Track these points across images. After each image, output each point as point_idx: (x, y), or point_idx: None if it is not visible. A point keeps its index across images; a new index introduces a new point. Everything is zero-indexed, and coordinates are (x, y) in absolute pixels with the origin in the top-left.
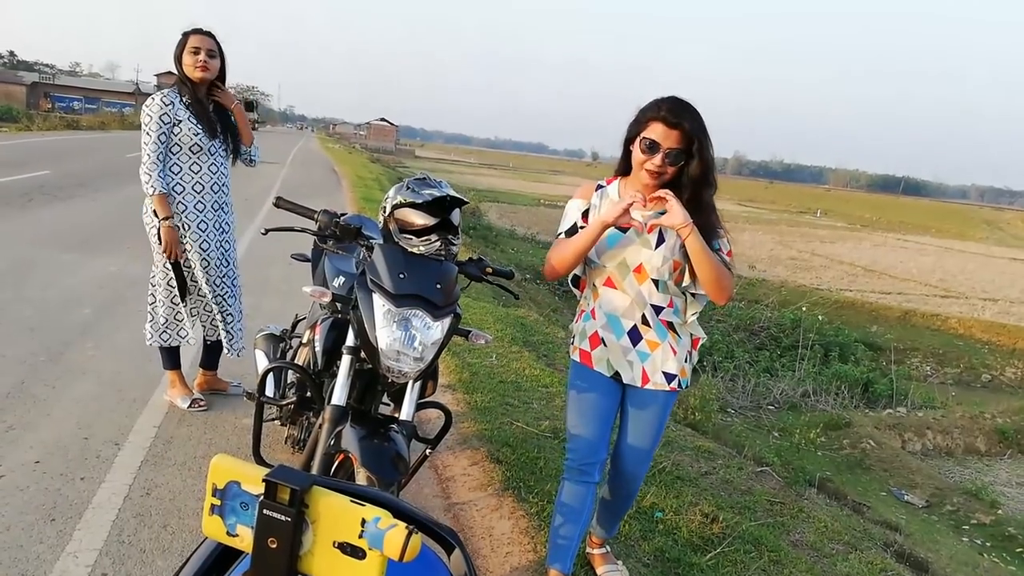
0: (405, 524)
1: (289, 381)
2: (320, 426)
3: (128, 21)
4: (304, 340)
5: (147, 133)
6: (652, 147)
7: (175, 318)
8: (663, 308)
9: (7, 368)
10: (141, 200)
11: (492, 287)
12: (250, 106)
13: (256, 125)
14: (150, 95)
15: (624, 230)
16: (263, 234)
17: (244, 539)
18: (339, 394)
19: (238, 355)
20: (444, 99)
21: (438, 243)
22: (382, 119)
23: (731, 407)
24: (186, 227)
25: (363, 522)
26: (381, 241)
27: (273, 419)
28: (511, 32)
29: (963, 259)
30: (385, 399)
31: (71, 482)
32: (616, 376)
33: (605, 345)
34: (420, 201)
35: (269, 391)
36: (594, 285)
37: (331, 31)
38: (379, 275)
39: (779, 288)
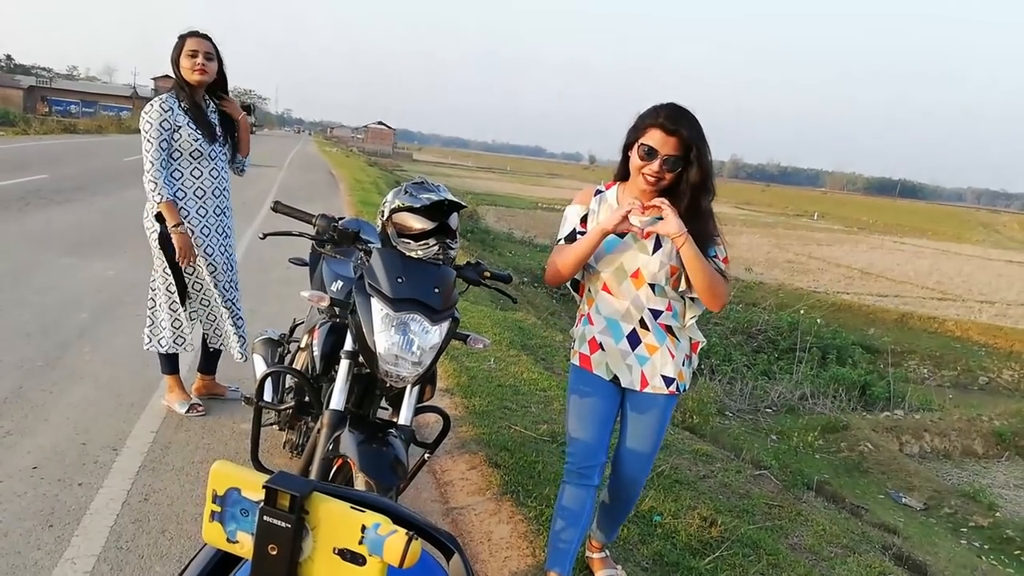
0: (405, 530)
1: (287, 386)
2: (318, 431)
3: (125, 25)
4: (302, 345)
5: (148, 140)
6: (650, 153)
7: (174, 323)
8: (661, 312)
9: (4, 373)
10: (138, 204)
11: (490, 291)
12: (248, 109)
13: (254, 128)
14: (147, 99)
15: (622, 235)
16: (261, 239)
17: (244, 545)
18: (337, 399)
19: (245, 359)
20: (442, 103)
21: (436, 247)
22: (379, 122)
23: (729, 410)
24: (189, 233)
25: (363, 528)
26: (379, 245)
27: (271, 424)
28: (508, 35)
29: (960, 262)
30: (383, 403)
31: (69, 488)
32: (615, 380)
33: (604, 349)
34: (418, 205)
35: (267, 396)
36: (591, 290)
37: (329, 35)
38: (377, 279)
39: (776, 291)
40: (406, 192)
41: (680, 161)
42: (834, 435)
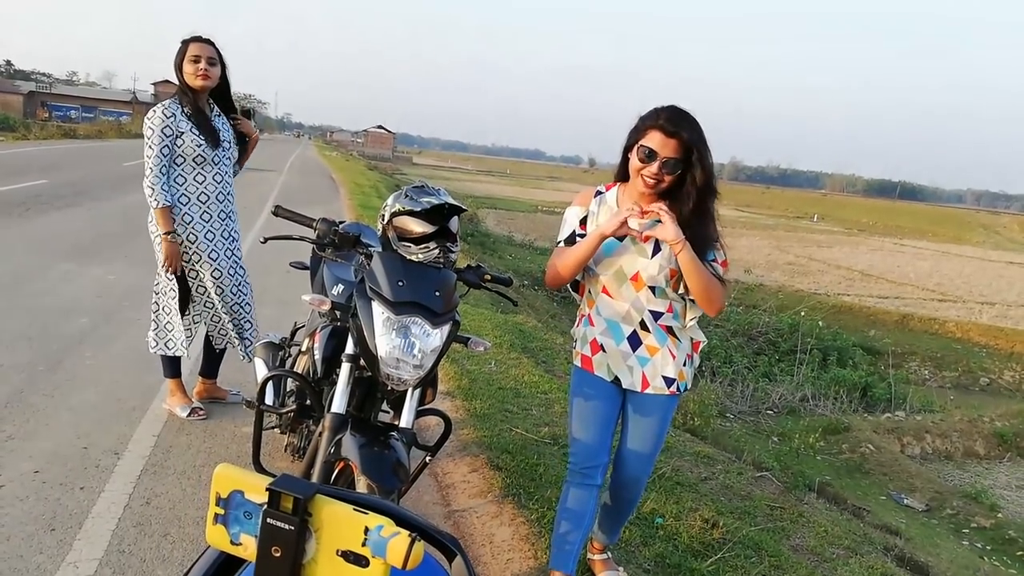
0: (408, 532)
1: (289, 389)
2: (320, 434)
3: (125, 30)
4: (303, 348)
5: (149, 146)
6: (650, 155)
7: (179, 326)
8: (662, 314)
9: (5, 377)
10: (138, 208)
11: (491, 294)
12: (247, 114)
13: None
14: (147, 104)
15: (620, 238)
16: (262, 243)
17: (248, 548)
18: (339, 402)
19: (250, 359)
20: (441, 106)
21: (437, 250)
22: (379, 126)
23: (730, 412)
24: (193, 238)
25: (366, 530)
26: (380, 249)
27: (273, 427)
28: (507, 38)
29: (960, 263)
30: (385, 406)
31: (71, 492)
32: (616, 381)
33: (604, 351)
34: (418, 209)
35: (269, 399)
36: (591, 291)
37: (328, 39)
38: (378, 283)
39: (777, 293)
40: (406, 196)
41: (679, 164)
42: (835, 437)
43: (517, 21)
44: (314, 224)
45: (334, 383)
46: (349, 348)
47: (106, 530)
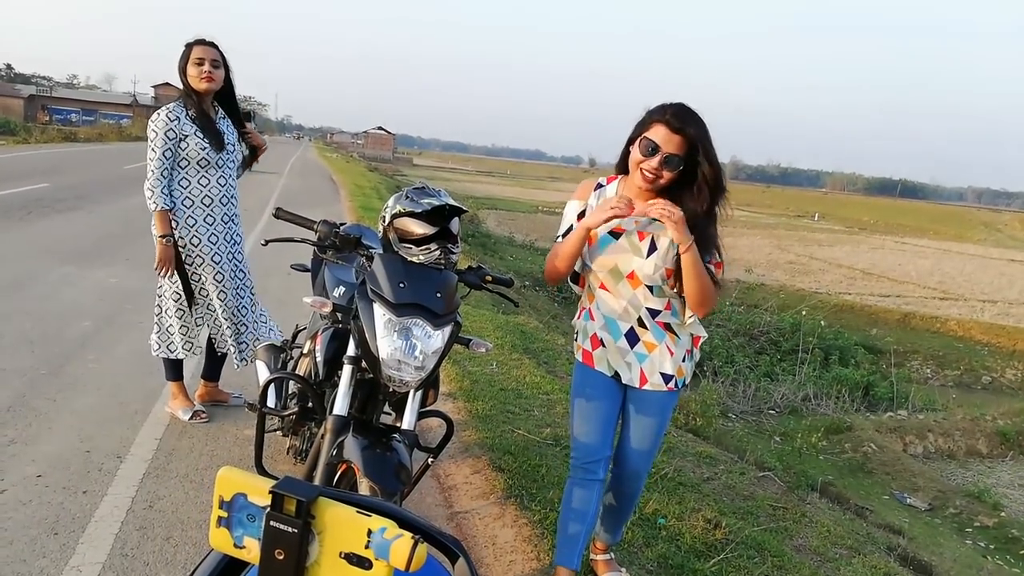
0: (411, 534)
1: (290, 392)
2: (322, 436)
3: (125, 33)
4: (305, 350)
5: (152, 149)
6: (652, 149)
7: (181, 330)
8: (659, 311)
9: (8, 381)
10: (139, 211)
11: (492, 295)
12: (247, 117)
13: None
14: (147, 106)
15: (617, 236)
16: (263, 245)
17: (251, 551)
18: (341, 404)
19: (247, 363)
20: (441, 107)
21: (438, 252)
22: (379, 128)
23: (732, 412)
24: (196, 241)
25: (369, 532)
26: (381, 251)
27: (275, 430)
28: (506, 39)
29: (962, 261)
30: (387, 408)
31: (73, 496)
32: (616, 376)
33: (604, 346)
34: (419, 210)
35: (271, 402)
36: (591, 286)
37: (328, 41)
38: (379, 284)
39: (778, 292)
40: (407, 197)
41: (681, 161)
42: (838, 436)
43: (518, 22)
44: (315, 226)
45: (336, 385)
46: (351, 350)
47: (109, 534)
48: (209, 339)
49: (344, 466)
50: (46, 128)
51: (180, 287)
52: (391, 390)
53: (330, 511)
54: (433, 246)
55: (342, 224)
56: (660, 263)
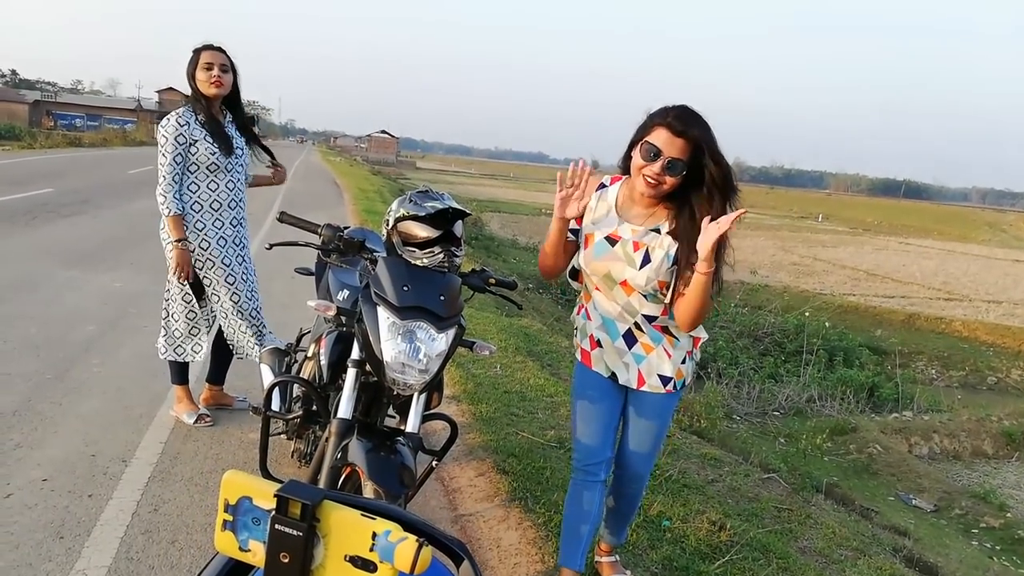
0: (415, 537)
1: (295, 395)
2: (326, 440)
3: (129, 38)
4: (309, 354)
5: (163, 154)
6: (654, 154)
7: (190, 332)
8: (656, 317)
9: (13, 386)
10: (143, 216)
11: (495, 297)
12: (252, 121)
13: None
14: (152, 111)
15: (612, 243)
16: (267, 249)
17: (256, 554)
18: (345, 407)
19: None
20: (444, 110)
21: (441, 255)
22: (383, 131)
23: (736, 414)
24: (206, 245)
25: (374, 535)
26: (384, 254)
27: (279, 433)
28: (509, 42)
29: (966, 262)
30: (391, 411)
31: (79, 499)
32: (613, 377)
33: (601, 346)
34: (423, 214)
35: (275, 405)
36: (587, 285)
37: (330, 44)
38: (383, 288)
39: (782, 293)
40: (410, 201)
41: (684, 166)
42: (843, 437)
43: (518, 22)
44: (319, 230)
45: (340, 388)
46: (355, 353)
47: (114, 537)
48: (213, 342)
49: (349, 469)
50: (51, 133)
51: (189, 290)
52: (395, 393)
53: (335, 514)
54: (436, 249)
55: (346, 228)
56: (653, 276)
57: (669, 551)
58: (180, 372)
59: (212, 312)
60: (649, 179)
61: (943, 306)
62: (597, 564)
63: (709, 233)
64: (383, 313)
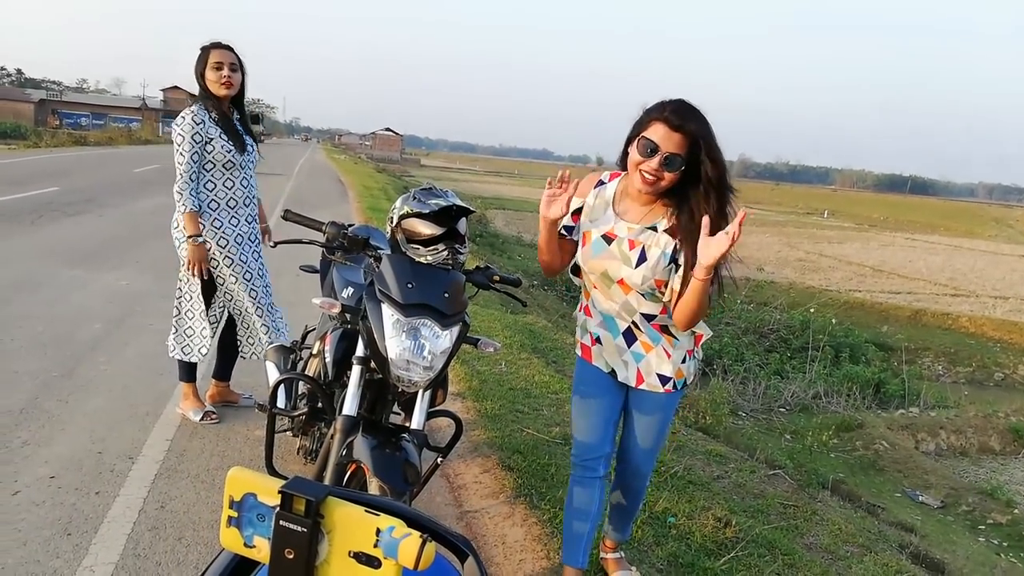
0: (419, 533)
1: (300, 392)
2: (332, 436)
3: (134, 37)
4: (314, 351)
5: (180, 153)
6: (651, 149)
7: (200, 332)
8: (655, 316)
9: (21, 384)
10: (149, 215)
11: (500, 295)
12: (256, 119)
13: (262, 137)
14: (156, 110)
15: (609, 241)
16: (272, 247)
17: (261, 550)
18: (350, 404)
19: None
20: (448, 108)
21: (445, 252)
22: (387, 129)
23: (742, 410)
24: (223, 243)
25: (378, 531)
26: (389, 251)
27: (285, 430)
28: (513, 38)
29: (973, 257)
30: (396, 408)
31: (86, 496)
32: (613, 373)
33: (601, 343)
34: (427, 211)
35: (280, 402)
36: (586, 283)
37: (335, 43)
38: (387, 285)
39: (787, 290)
40: (414, 198)
41: (682, 162)
42: (849, 434)
43: (522, 21)
44: (323, 227)
45: (345, 386)
46: (359, 350)
47: (121, 534)
48: (220, 339)
49: (354, 466)
50: (56, 132)
51: (200, 289)
52: (400, 390)
53: (339, 510)
54: (441, 246)
55: (350, 225)
56: (649, 275)
57: (674, 547)
58: (188, 370)
59: (219, 311)
60: (646, 175)
61: (950, 302)
62: (602, 560)
63: (714, 247)
64: (387, 310)
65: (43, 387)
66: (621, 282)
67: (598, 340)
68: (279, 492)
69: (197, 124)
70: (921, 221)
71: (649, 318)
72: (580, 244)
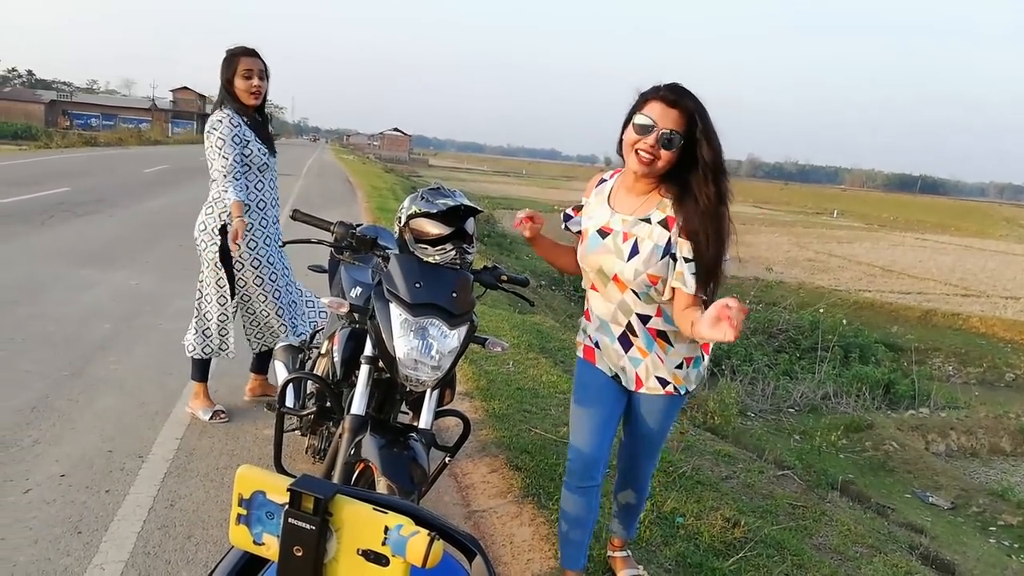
0: (427, 531)
1: (309, 391)
2: (340, 436)
3: (143, 38)
4: (323, 351)
5: (223, 156)
6: (646, 127)
7: (220, 332)
8: (650, 317)
9: (31, 383)
10: (158, 214)
11: (508, 294)
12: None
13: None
14: (165, 110)
15: (604, 235)
16: (280, 247)
17: (270, 548)
18: (358, 403)
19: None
20: (456, 108)
21: (453, 252)
22: (395, 129)
23: (751, 410)
24: (254, 245)
25: (386, 529)
26: (397, 251)
27: (294, 429)
28: (521, 39)
29: (983, 257)
30: (404, 408)
31: (96, 495)
32: (616, 377)
33: (600, 348)
34: (435, 211)
35: (289, 402)
36: (584, 287)
37: (344, 44)
38: (395, 285)
39: (797, 290)
40: (422, 198)
41: (679, 138)
42: (858, 434)
43: (531, 23)
44: (332, 227)
45: (353, 385)
46: (368, 350)
47: (131, 532)
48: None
49: (362, 465)
50: (67, 133)
51: (227, 290)
52: (408, 389)
53: (347, 508)
54: (448, 246)
55: (358, 225)
56: (641, 268)
57: (683, 547)
58: (202, 369)
59: (231, 310)
60: (643, 153)
61: (960, 302)
62: (610, 559)
63: (718, 333)
64: (395, 310)
65: (53, 386)
66: (616, 279)
67: (597, 345)
68: (288, 490)
69: (235, 127)
70: (931, 221)
71: (644, 320)
72: (579, 243)
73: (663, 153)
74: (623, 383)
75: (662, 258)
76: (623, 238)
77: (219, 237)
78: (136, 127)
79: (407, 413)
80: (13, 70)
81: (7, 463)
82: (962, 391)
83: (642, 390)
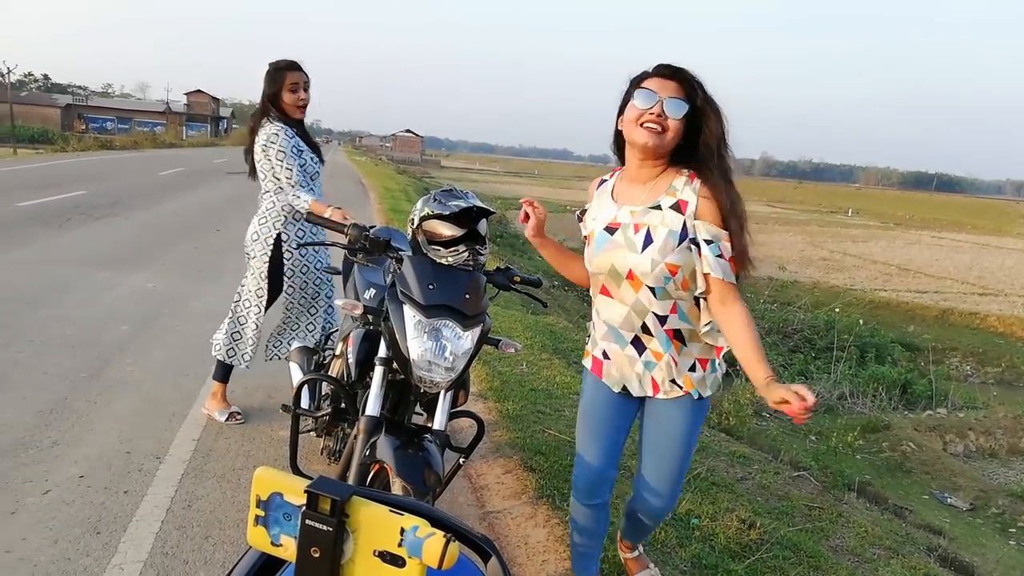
0: (443, 532)
1: (323, 393)
2: (355, 437)
3: (158, 42)
4: (337, 352)
5: (287, 168)
6: (648, 98)
7: (248, 339)
8: (667, 316)
9: (50, 384)
10: (175, 216)
11: (521, 295)
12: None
13: None
14: (179, 113)
15: (612, 232)
16: (295, 249)
17: (288, 549)
18: (373, 405)
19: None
20: (468, 109)
21: (466, 253)
22: (407, 131)
23: (766, 411)
24: (304, 252)
25: (402, 531)
26: (410, 253)
27: (309, 431)
28: (531, 40)
29: (1001, 256)
30: (418, 409)
31: (115, 496)
32: (625, 391)
33: (609, 357)
34: (447, 212)
35: (304, 403)
36: (592, 292)
37: (356, 46)
38: (409, 287)
39: (811, 289)
40: (435, 200)
41: (685, 104)
42: (875, 435)
43: (541, 23)
44: (346, 229)
45: (368, 386)
46: (382, 351)
47: (149, 533)
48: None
49: (377, 466)
50: (82, 136)
51: (264, 302)
52: (422, 391)
53: (364, 510)
54: (461, 248)
55: (372, 227)
56: (659, 258)
57: (698, 549)
58: (225, 370)
59: (262, 320)
60: (650, 124)
61: (978, 301)
62: (623, 560)
63: (780, 407)
64: (409, 311)
65: (72, 388)
66: (631, 275)
67: (606, 355)
68: (305, 492)
69: (290, 138)
70: (947, 219)
71: (662, 320)
72: (585, 247)
73: (670, 122)
74: (635, 393)
75: (679, 244)
76: (634, 230)
77: (271, 248)
78: (151, 130)
79: (421, 414)
80: (29, 74)
81: (27, 464)
82: (980, 391)
83: (659, 395)
